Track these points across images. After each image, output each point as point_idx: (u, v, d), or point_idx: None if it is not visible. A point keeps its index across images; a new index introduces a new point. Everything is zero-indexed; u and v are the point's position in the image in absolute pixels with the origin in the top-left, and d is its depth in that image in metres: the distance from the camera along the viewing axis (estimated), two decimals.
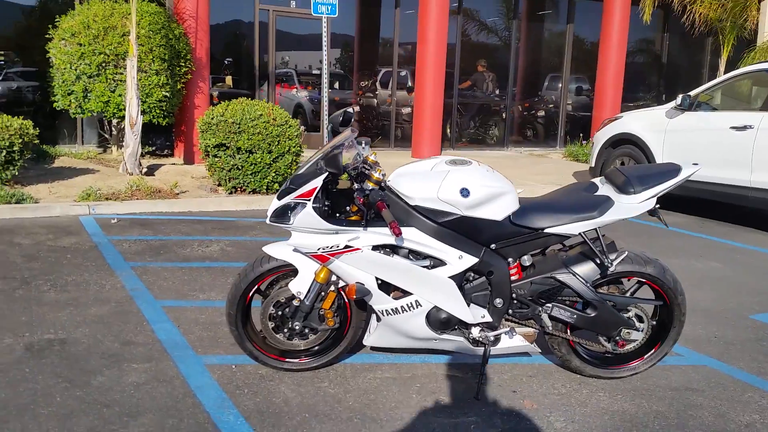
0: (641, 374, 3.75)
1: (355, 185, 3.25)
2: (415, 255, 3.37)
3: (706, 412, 3.41)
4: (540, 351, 3.69)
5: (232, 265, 5.57)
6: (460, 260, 3.33)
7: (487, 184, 3.34)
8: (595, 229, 3.46)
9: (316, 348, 3.70)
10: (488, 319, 3.46)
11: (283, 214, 3.33)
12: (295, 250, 3.47)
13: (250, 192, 8.22)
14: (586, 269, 3.50)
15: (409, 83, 12.98)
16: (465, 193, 3.28)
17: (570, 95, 14.69)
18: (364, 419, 3.21)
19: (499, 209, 3.35)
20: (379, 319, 3.51)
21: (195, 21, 10.18)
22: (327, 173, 3.28)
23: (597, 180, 3.73)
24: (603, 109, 13.28)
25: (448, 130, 13.41)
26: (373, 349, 3.92)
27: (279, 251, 3.50)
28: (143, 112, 9.18)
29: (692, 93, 8.32)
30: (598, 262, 3.51)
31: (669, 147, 8.42)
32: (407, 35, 12.77)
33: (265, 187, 8.21)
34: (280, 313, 3.59)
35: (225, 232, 6.68)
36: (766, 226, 8.06)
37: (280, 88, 12.56)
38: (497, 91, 14.25)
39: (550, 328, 3.55)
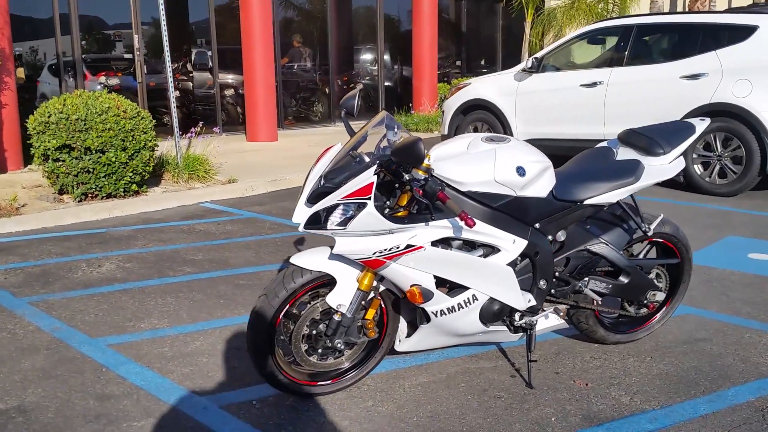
0: (648, 336, 3.82)
1: (406, 175, 2.87)
2: (467, 245, 3.09)
3: (731, 359, 3.55)
4: (568, 325, 3.61)
5: (148, 284, 4.83)
6: (514, 245, 3.11)
7: (535, 159, 3.14)
8: (631, 195, 3.42)
9: (347, 365, 3.29)
10: (533, 303, 3.30)
11: (322, 219, 2.88)
12: (332, 257, 3.03)
13: (104, 197, 7.21)
14: (616, 237, 3.46)
15: (210, 63, 12.19)
16: (521, 171, 3.05)
17: (386, 66, 14.81)
18: None
19: (545, 185, 3.17)
20: (422, 322, 3.18)
21: None
22: (378, 164, 2.88)
23: (606, 144, 3.67)
24: (422, 79, 13.57)
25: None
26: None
27: (314, 261, 3.03)
28: None
29: (539, 55, 8.72)
30: (626, 227, 3.48)
31: (522, 109, 8.78)
32: (224, 12, 11.98)
33: (122, 190, 7.25)
34: (314, 332, 3.13)
35: (107, 247, 5.78)
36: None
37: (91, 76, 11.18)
38: (316, 66, 13.95)
39: (591, 301, 3.47)
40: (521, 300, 3.21)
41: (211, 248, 5.75)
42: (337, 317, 3.05)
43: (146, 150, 7.31)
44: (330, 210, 2.88)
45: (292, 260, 3.07)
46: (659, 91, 7.67)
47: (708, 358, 3.58)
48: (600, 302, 3.51)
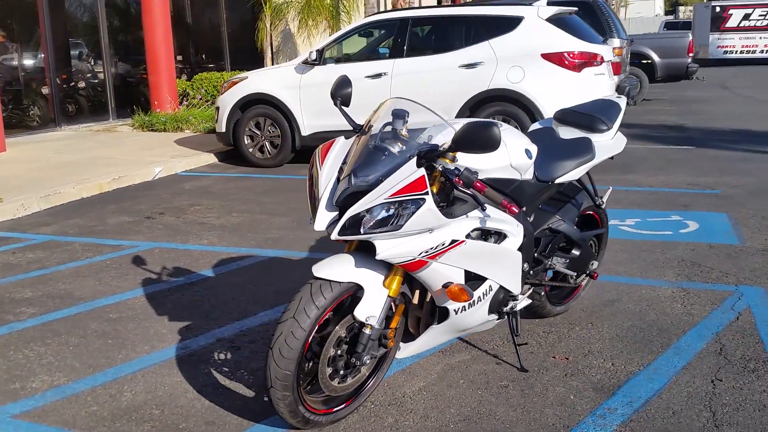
0: (576, 304, 4.07)
1: (439, 166, 2.66)
2: (483, 234, 2.96)
3: (653, 315, 3.94)
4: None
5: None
6: (518, 229, 3.07)
7: (528, 141, 3.12)
8: (587, 171, 3.58)
9: (357, 384, 2.96)
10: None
11: (362, 222, 2.55)
12: (359, 265, 2.70)
13: None
14: (569, 212, 3.61)
15: None
16: (529, 154, 3.03)
17: (113, 62, 13.42)
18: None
19: (532, 167, 3.18)
20: (433, 323, 3.00)
21: None
22: (417, 155, 2.63)
23: (539, 125, 3.79)
24: (159, 74, 12.56)
25: None
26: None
27: (342, 272, 2.68)
28: None
29: (319, 47, 8.66)
30: (574, 202, 3.65)
31: (307, 102, 8.65)
32: None
33: None
34: (338, 352, 2.76)
35: None
36: None
37: None
38: (28, 64, 12.13)
39: (563, 278, 3.57)
40: (519, 285, 3.20)
41: (35, 282, 4.74)
42: (367, 331, 2.73)
43: None
44: (369, 211, 2.57)
45: (316, 273, 2.67)
46: (442, 79, 8.13)
47: (635, 316, 3.93)
48: (572, 278, 3.65)
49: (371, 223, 2.57)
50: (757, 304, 4.00)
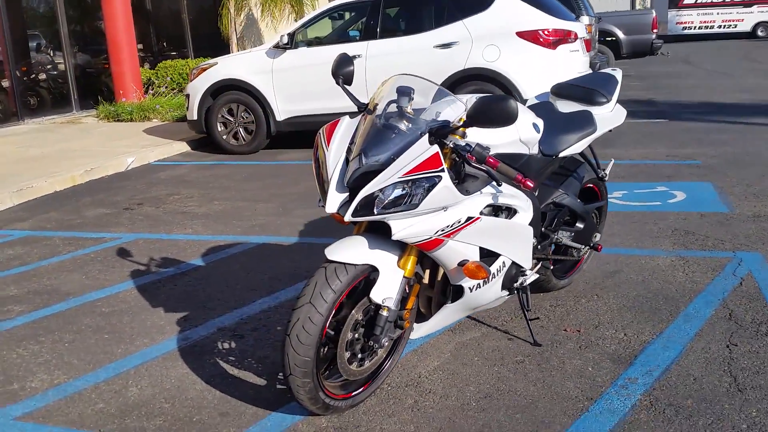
0: (579, 276, 4.05)
1: (450, 143, 2.58)
2: (494, 210, 2.90)
3: (657, 284, 3.93)
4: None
5: None
6: (527, 204, 3.02)
7: (534, 114, 3.06)
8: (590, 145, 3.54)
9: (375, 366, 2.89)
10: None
11: (375, 202, 2.47)
12: (372, 246, 2.62)
13: None
14: (572, 186, 3.57)
15: None
16: (537, 128, 2.98)
17: (73, 52, 13.02)
18: (519, 408, 2.76)
19: (537, 141, 3.13)
20: (447, 301, 2.92)
21: None
22: (429, 131, 2.55)
23: (536, 99, 3.73)
24: (121, 63, 12.21)
25: None
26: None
27: (356, 254, 2.59)
28: None
29: (290, 31, 8.50)
30: (576, 175, 3.61)
31: (281, 87, 8.50)
32: None
33: None
34: (356, 336, 2.68)
35: None
36: None
37: None
38: None
39: (568, 251, 3.54)
40: (530, 260, 3.15)
41: (18, 278, 4.56)
42: (384, 313, 2.65)
43: None
44: (383, 191, 2.48)
45: (330, 256, 2.58)
46: (417, 60, 8.03)
47: (639, 286, 3.92)
48: (578, 250, 3.62)
49: (385, 203, 2.48)
50: (758, 269, 4.02)
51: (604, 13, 17.16)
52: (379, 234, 2.67)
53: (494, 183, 2.70)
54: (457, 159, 2.64)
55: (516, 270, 3.09)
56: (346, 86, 3.01)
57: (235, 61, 8.96)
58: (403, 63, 8.02)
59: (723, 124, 8.98)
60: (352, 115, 2.98)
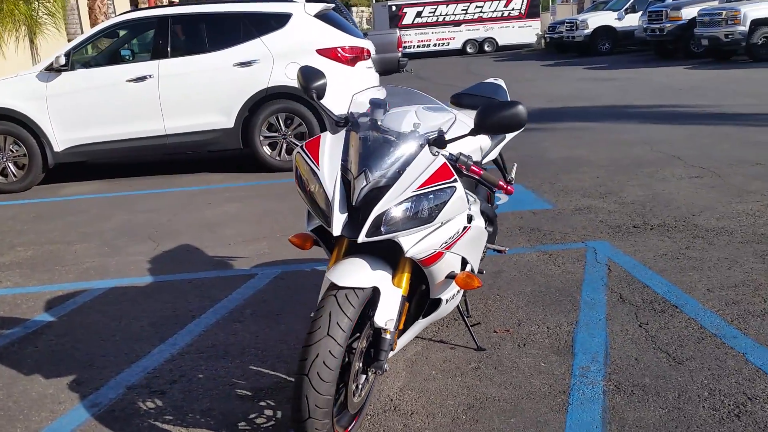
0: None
1: (442, 153, 2.56)
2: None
3: (541, 277, 4.22)
4: None
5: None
6: (477, 209, 3.08)
7: None
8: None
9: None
10: None
11: (383, 221, 2.37)
12: (374, 267, 2.49)
13: None
14: (482, 190, 3.70)
15: None
16: (491, 136, 3.02)
17: None
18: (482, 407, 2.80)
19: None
20: (420, 317, 2.87)
21: None
22: (427, 141, 2.50)
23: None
24: None
25: None
26: None
27: (362, 277, 2.44)
28: None
29: (66, 51, 7.65)
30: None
31: (57, 113, 7.63)
32: None
33: None
34: (361, 365, 2.51)
35: None
36: (179, 169, 8.40)
37: None
38: None
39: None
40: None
41: None
42: (387, 336, 2.53)
43: None
44: (397, 207, 2.39)
45: (339, 282, 2.39)
46: (216, 79, 7.74)
47: (527, 281, 4.16)
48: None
49: (398, 220, 2.39)
50: (614, 255, 4.51)
51: None
52: (369, 253, 2.55)
53: (468, 191, 2.73)
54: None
55: None
56: (321, 102, 2.82)
57: None
58: (202, 82, 7.72)
59: None
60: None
